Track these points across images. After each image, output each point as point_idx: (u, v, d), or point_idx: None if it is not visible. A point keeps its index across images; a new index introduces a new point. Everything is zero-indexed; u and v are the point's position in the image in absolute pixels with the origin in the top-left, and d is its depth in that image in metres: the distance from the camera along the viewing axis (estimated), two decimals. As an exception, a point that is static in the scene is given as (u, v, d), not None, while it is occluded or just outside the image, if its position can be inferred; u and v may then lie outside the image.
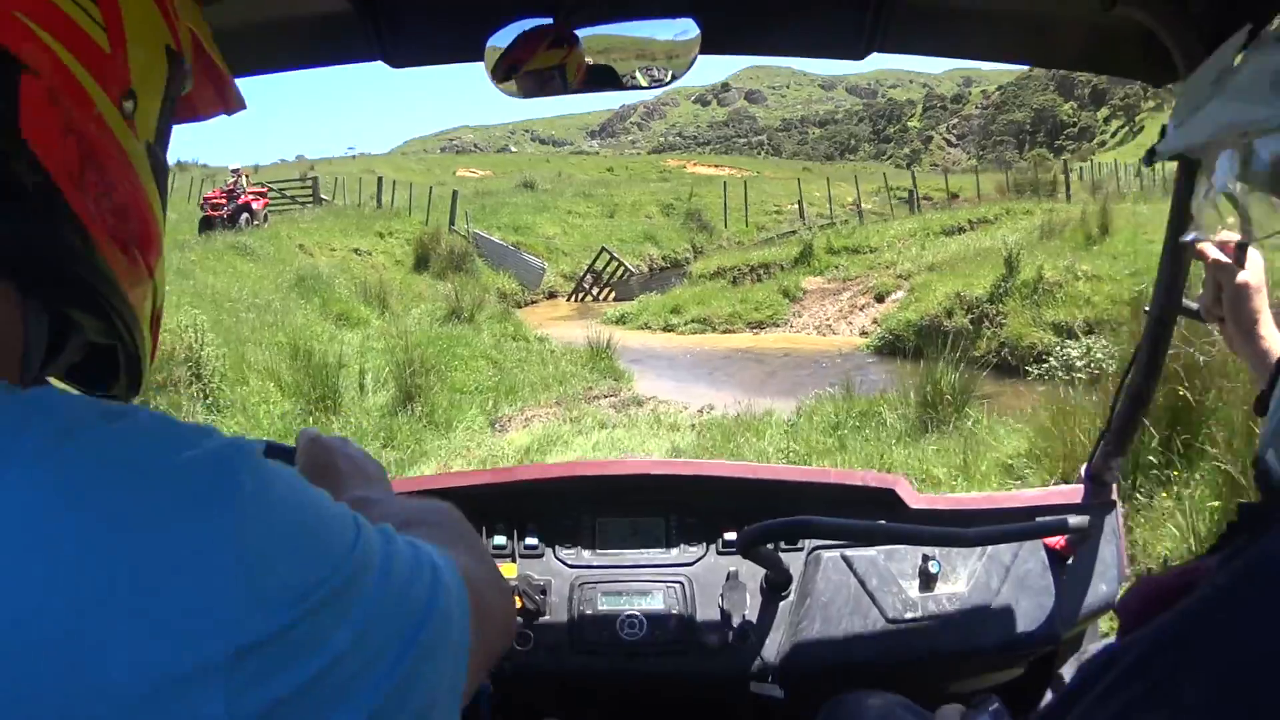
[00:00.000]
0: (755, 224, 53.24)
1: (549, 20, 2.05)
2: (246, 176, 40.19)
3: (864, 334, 24.62)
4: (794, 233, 40.36)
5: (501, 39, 2.08)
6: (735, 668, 2.78)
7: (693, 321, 27.77)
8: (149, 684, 0.75)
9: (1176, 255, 2.34)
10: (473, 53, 2.12)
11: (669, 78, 2.15)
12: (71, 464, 0.80)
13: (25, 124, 0.87)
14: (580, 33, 2.07)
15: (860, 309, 26.26)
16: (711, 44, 2.10)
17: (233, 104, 1.39)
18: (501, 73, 2.10)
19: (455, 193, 44.07)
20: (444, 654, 0.99)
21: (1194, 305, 2.04)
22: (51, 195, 0.91)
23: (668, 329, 27.72)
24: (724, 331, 26.94)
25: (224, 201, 36.14)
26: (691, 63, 2.12)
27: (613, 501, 3.07)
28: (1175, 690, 0.75)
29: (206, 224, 34.45)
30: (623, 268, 39.71)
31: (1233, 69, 1.30)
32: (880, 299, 26.29)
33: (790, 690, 2.74)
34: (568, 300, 38.19)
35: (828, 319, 26.50)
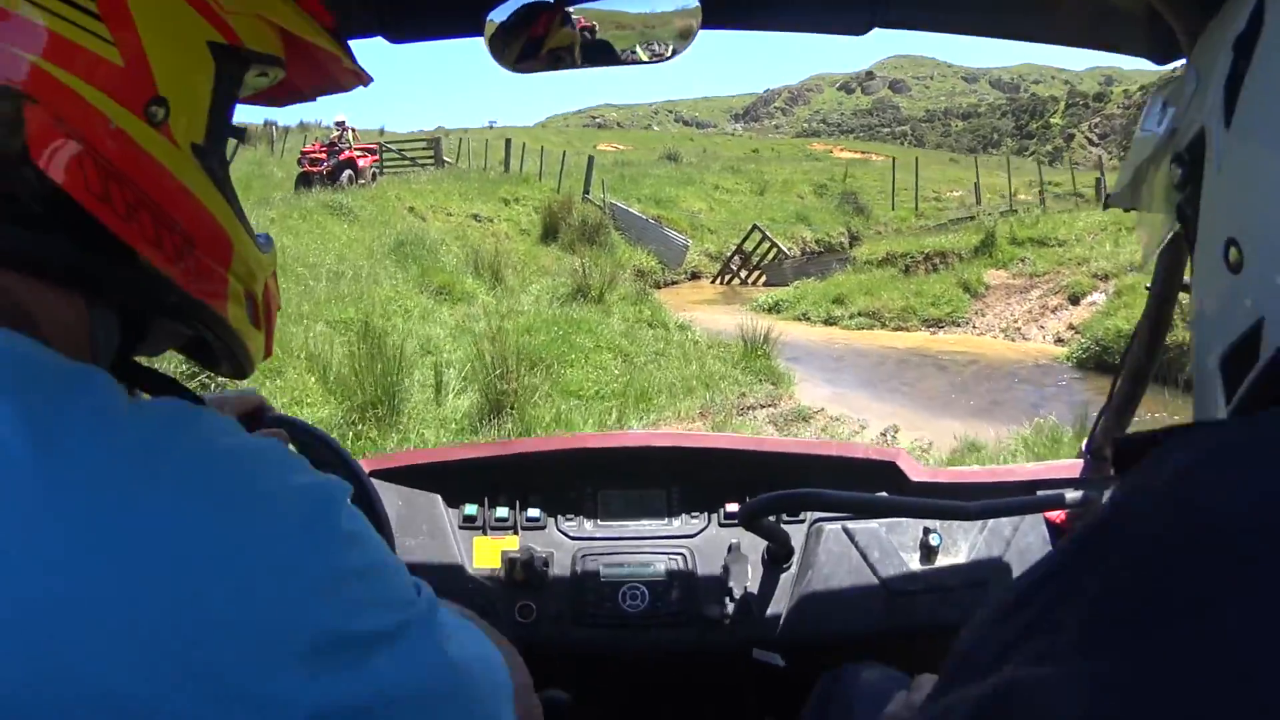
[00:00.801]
0: (912, 210, 50.04)
1: None
2: (354, 131, 37.71)
3: (1060, 341, 21.54)
4: (970, 218, 36.50)
5: (502, 13, 2.06)
6: (737, 639, 2.77)
7: (859, 315, 24.84)
8: (243, 661, 0.84)
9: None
10: (473, 26, 2.11)
11: (669, 52, 2.13)
12: (213, 488, 0.90)
13: (35, 152, 0.94)
14: (579, 7, 2.07)
15: (1052, 311, 23.17)
16: (712, 18, 2.11)
17: (345, 82, 1.43)
18: (521, 52, 2.09)
19: (591, 158, 40.99)
20: None
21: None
22: (83, 215, 0.98)
23: (830, 321, 24.88)
24: (895, 328, 24.03)
25: (323, 156, 34.35)
26: (692, 37, 2.09)
27: (615, 474, 3.08)
28: (1054, 618, 0.77)
29: (304, 180, 32.68)
30: (775, 249, 36.76)
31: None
32: (1075, 300, 23.13)
33: (791, 661, 2.74)
34: (712, 282, 35.58)
35: (1015, 320, 23.43)
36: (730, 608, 2.78)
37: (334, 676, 0.88)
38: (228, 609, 0.84)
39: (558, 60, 2.10)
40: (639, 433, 6.13)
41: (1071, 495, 2.63)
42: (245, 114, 1.31)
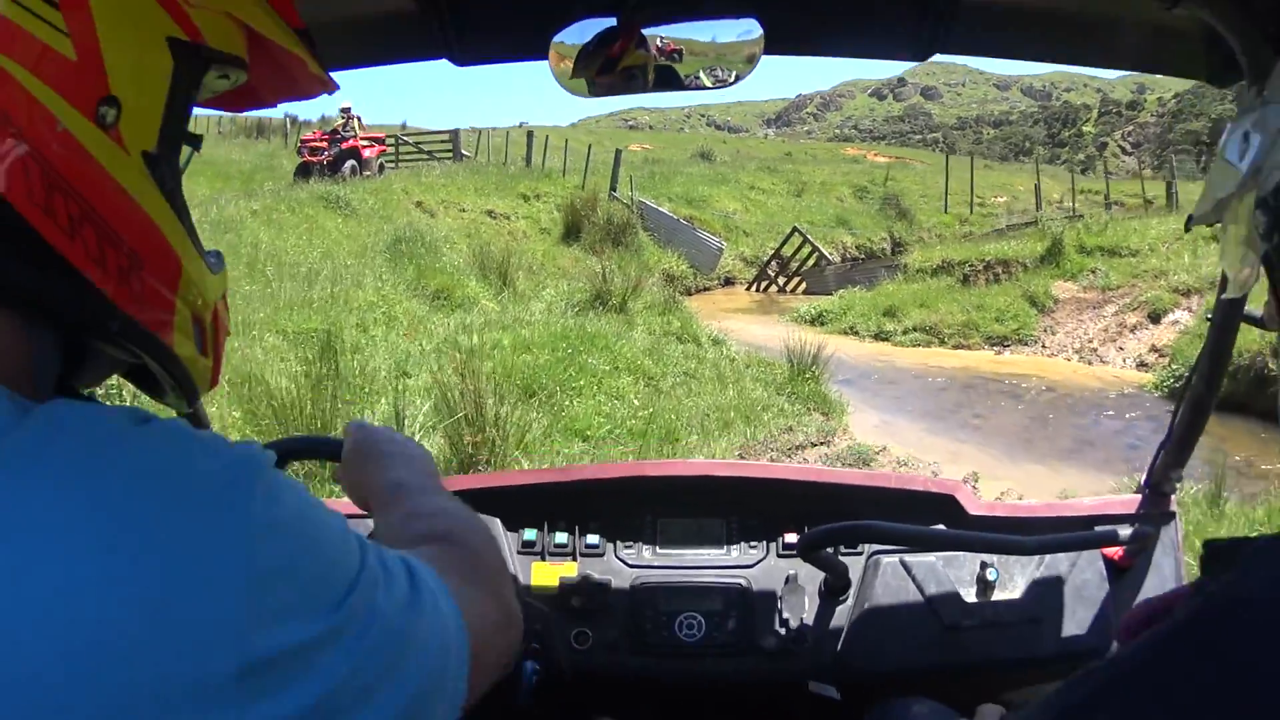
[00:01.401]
0: (957, 215, 48.24)
1: (613, 19, 2.08)
2: (359, 119, 35.51)
3: (1143, 366, 19.66)
4: (1031, 224, 33.88)
5: (567, 38, 2.11)
6: (792, 670, 2.80)
7: (914, 330, 23.04)
8: (163, 693, 0.78)
9: None
10: (538, 50, 2.15)
11: (732, 78, 2.18)
12: (99, 476, 0.83)
13: None
14: (644, 33, 2.10)
15: (1131, 330, 21.32)
16: (775, 44, 2.14)
17: (308, 88, 1.35)
18: (593, 69, 2.12)
19: (618, 152, 38.86)
20: (438, 701, 1.01)
21: (1258, 313, 1.64)
22: (20, 225, 0.90)
23: (881, 336, 23.10)
24: (955, 346, 22.20)
25: (324, 145, 32.36)
26: (755, 64, 2.14)
27: (674, 502, 3.09)
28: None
29: (303, 171, 30.96)
30: (816, 254, 34.79)
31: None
32: (1155, 319, 21.23)
33: (846, 694, 2.77)
34: (748, 289, 33.99)
35: (1090, 340, 21.64)
36: (786, 639, 2.78)
37: (271, 698, 0.82)
38: (134, 637, 0.77)
39: (630, 81, 2.13)
40: (699, 461, 5.91)
41: (1129, 531, 2.72)
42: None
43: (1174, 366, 17.86)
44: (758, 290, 33.59)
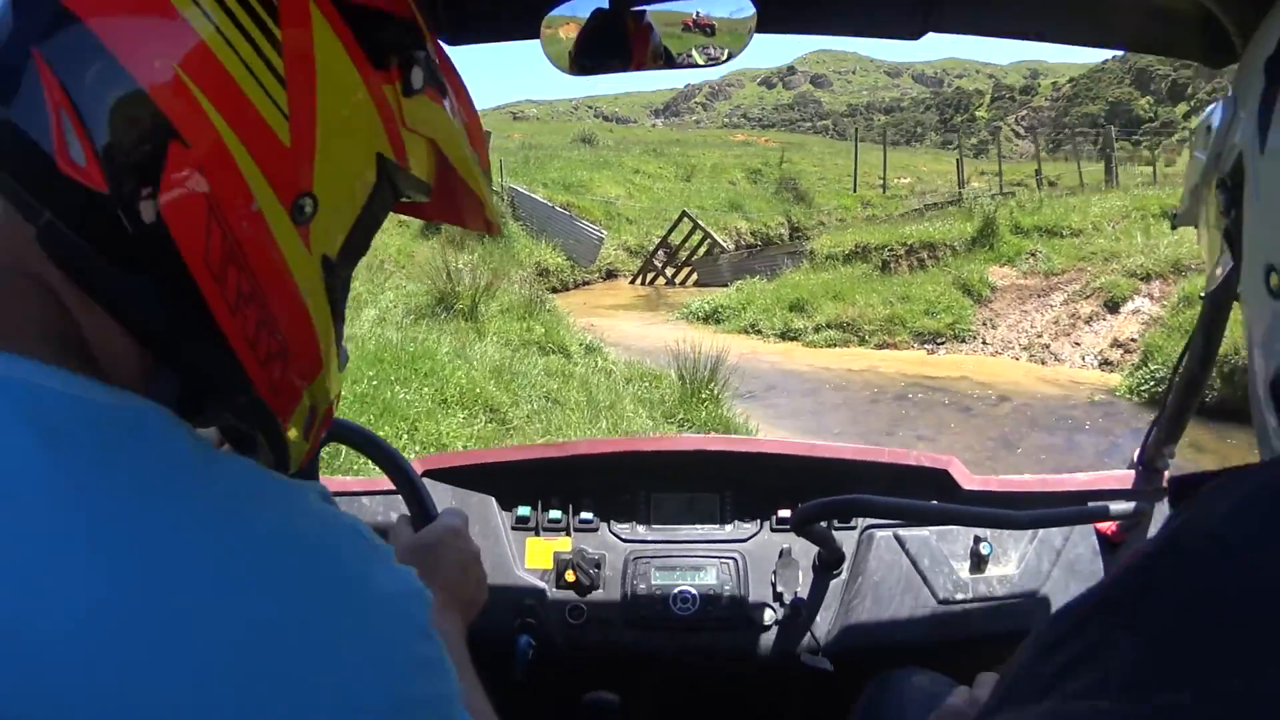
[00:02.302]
0: (861, 197, 45.73)
1: None
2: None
3: (1106, 364, 17.42)
4: (954, 202, 31.44)
5: (560, 16, 2.07)
6: (786, 645, 2.82)
7: (829, 327, 20.34)
8: None
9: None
10: (531, 29, 2.10)
11: (725, 56, 2.12)
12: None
13: (165, 199, 0.86)
14: (636, 10, 2.06)
15: (1086, 322, 18.94)
16: (768, 22, 2.09)
17: (473, 226, 1.35)
18: (570, 51, 2.08)
19: (488, 133, 34.74)
20: None
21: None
22: (194, 291, 0.90)
23: (789, 335, 20.49)
24: (879, 345, 19.65)
25: None
26: (747, 41, 2.10)
27: (668, 477, 3.11)
28: (1106, 651, 0.78)
29: None
30: (709, 241, 31.99)
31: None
32: (1113, 308, 18.83)
33: (840, 667, 2.77)
34: (632, 282, 31.51)
35: (1039, 335, 19.25)
36: (780, 613, 2.83)
37: None
38: None
39: (620, 65, 2.09)
40: (692, 436, 5.95)
41: (1122, 506, 2.65)
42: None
43: (1150, 367, 15.50)
44: (643, 283, 31.25)
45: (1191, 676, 0.68)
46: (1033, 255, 22.18)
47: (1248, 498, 0.81)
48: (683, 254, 32.03)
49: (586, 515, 3.00)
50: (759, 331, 20.71)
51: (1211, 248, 1.33)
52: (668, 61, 2.10)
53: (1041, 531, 2.86)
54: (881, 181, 47.84)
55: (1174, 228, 1.74)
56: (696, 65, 2.14)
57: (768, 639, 2.80)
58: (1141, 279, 19.12)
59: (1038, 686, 0.78)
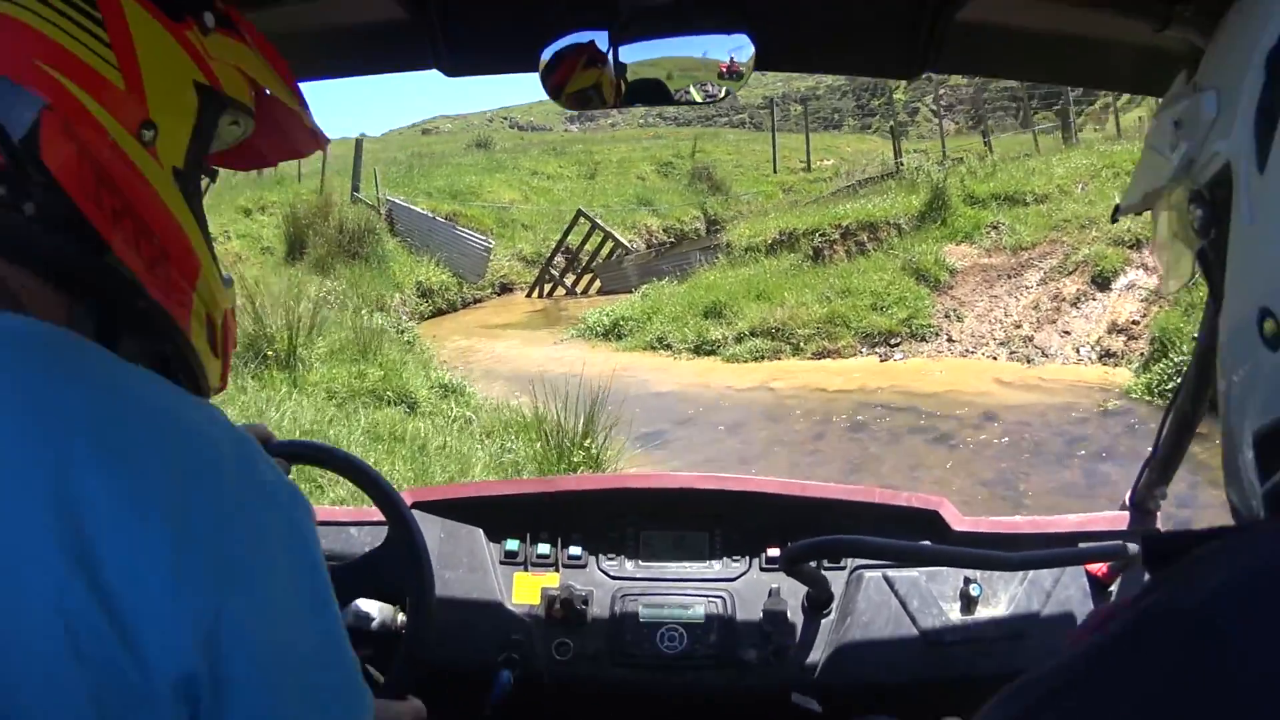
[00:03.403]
0: (780, 183, 42.10)
1: (604, 33, 2.10)
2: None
3: (1108, 356, 15.06)
4: (891, 175, 27.66)
5: (557, 52, 2.14)
6: (774, 683, 2.83)
7: (753, 335, 17.30)
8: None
9: None
10: (527, 64, 2.17)
11: (723, 94, 2.18)
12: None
13: (45, 152, 1.09)
14: (630, 48, 2.11)
15: (1074, 304, 16.36)
16: (766, 61, 2.13)
17: (302, 144, 1.59)
18: (550, 91, 2.18)
19: (358, 141, 32.36)
20: None
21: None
22: (78, 216, 1.13)
23: (705, 350, 17.49)
24: (819, 354, 16.56)
25: None
26: (745, 80, 2.15)
27: (657, 515, 3.14)
28: None
29: None
30: (610, 241, 28.88)
31: (1155, 121, 1.35)
32: (1102, 284, 16.42)
33: (828, 707, 2.80)
34: (528, 295, 28.50)
35: (1016, 325, 16.56)
36: (768, 652, 2.82)
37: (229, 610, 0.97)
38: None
39: (587, 101, 2.17)
40: (682, 474, 5.30)
41: (1113, 548, 2.72)
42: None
43: (1171, 358, 13.03)
44: (541, 296, 28.23)
45: None
46: (994, 228, 19.35)
47: (1246, 579, 0.75)
48: (582, 259, 29.23)
49: (575, 551, 3.01)
50: (668, 347, 17.77)
51: (1175, 264, 1.23)
52: (665, 98, 2.16)
53: (1032, 573, 2.85)
54: (804, 164, 43.86)
55: (1114, 220, 1.46)
56: (694, 103, 2.18)
57: (755, 678, 2.78)
58: (1130, 246, 16.65)
59: None
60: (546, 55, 2.08)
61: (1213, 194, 1.02)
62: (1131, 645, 0.76)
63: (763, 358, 16.53)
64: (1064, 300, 16.32)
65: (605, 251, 28.91)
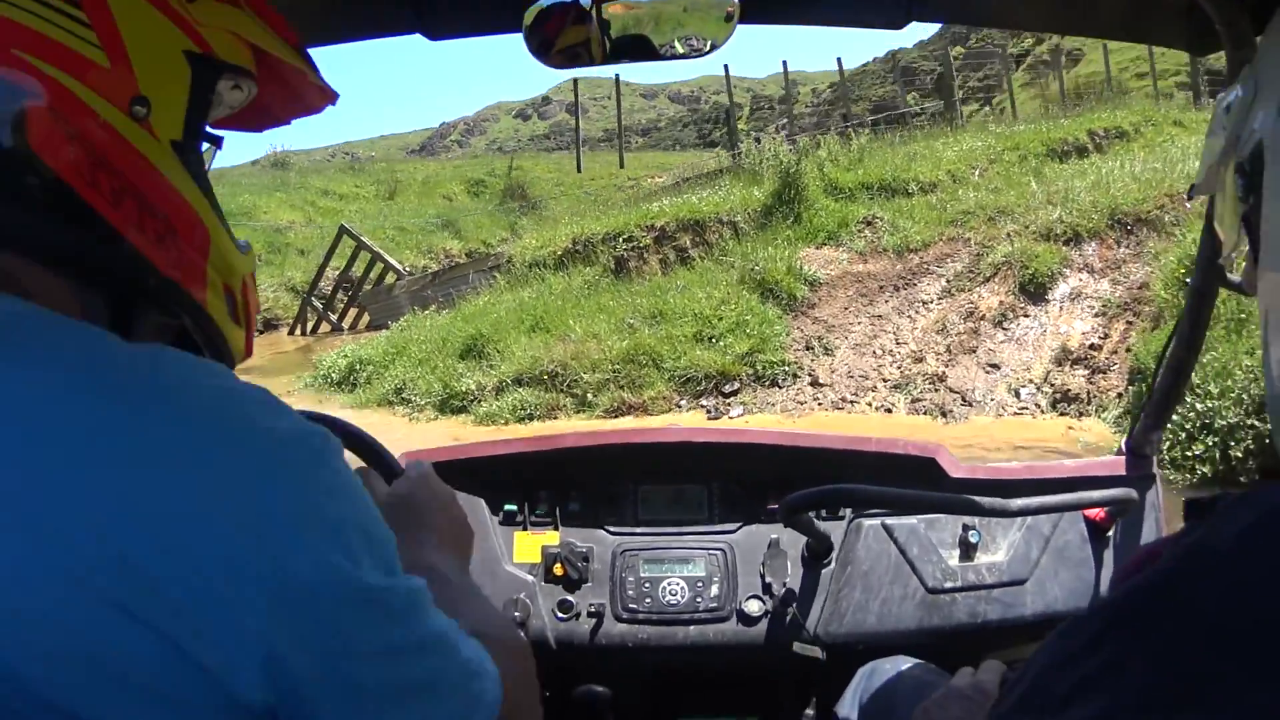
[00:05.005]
0: (600, 197, 35.82)
1: None
2: None
3: (1067, 401, 10.61)
4: (726, 171, 23.22)
5: (540, 9, 2.06)
6: (776, 635, 2.74)
7: (520, 384, 12.71)
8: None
9: None
10: (511, 23, 2.09)
11: (708, 47, 2.10)
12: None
13: (33, 140, 1.02)
14: (616, 2, 2.07)
15: (998, 324, 11.87)
16: (752, 14, 2.08)
17: (312, 100, 1.49)
18: (535, 48, 2.07)
19: None
20: None
21: (1237, 278, 1.40)
22: (78, 202, 1.06)
23: (451, 405, 13.05)
24: (614, 409, 12.04)
25: None
26: (730, 32, 2.09)
27: (655, 469, 3.01)
28: (1119, 670, 0.78)
29: None
30: (376, 263, 25.88)
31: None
32: (1036, 295, 12.20)
33: (831, 655, 2.70)
34: (291, 332, 26.50)
35: (915, 357, 11.79)
36: (769, 603, 2.76)
37: (292, 623, 0.94)
38: (184, 545, 0.91)
39: (575, 58, 2.09)
40: (679, 428, 3.86)
41: (1110, 493, 2.64)
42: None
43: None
44: (304, 332, 26.05)
45: (1198, 702, 0.70)
46: (869, 225, 15.16)
47: (1260, 522, 0.79)
48: (350, 287, 26.67)
49: (574, 507, 2.93)
50: (406, 401, 13.59)
51: (1226, 226, 1.22)
52: (649, 54, 2.08)
53: (1030, 519, 2.77)
54: (633, 181, 39.74)
55: (1190, 198, 1.51)
56: (679, 56, 2.10)
57: (757, 629, 2.72)
58: (1067, 242, 12.94)
59: (1052, 701, 0.78)
60: (536, 7, 2.00)
61: (1251, 166, 1.05)
62: (1170, 584, 0.79)
63: (531, 417, 12.19)
64: (983, 319, 12.03)
65: (376, 275, 26.04)
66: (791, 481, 2.69)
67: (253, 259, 1.33)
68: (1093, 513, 2.75)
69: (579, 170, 39.71)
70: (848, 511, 2.85)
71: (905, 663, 2.36)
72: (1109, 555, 2.80)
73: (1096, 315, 11.60)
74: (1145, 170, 15.61)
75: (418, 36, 2.28)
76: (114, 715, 0.89)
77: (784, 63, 39.87)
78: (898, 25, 2.19)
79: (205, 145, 1.26)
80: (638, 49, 2.08)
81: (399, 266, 25.96)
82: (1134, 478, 2.76)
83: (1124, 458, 2.81)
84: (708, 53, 2.09)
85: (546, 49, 2.03)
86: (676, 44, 2.07)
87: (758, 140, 20.76)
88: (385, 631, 1.00)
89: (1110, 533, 2.78)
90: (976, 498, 2.55)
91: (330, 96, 1.47)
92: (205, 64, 1.20)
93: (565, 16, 2.00)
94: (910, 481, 2.73)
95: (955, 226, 14.51)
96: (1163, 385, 2.63)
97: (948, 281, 13.04)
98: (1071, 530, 2.77)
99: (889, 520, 2.79)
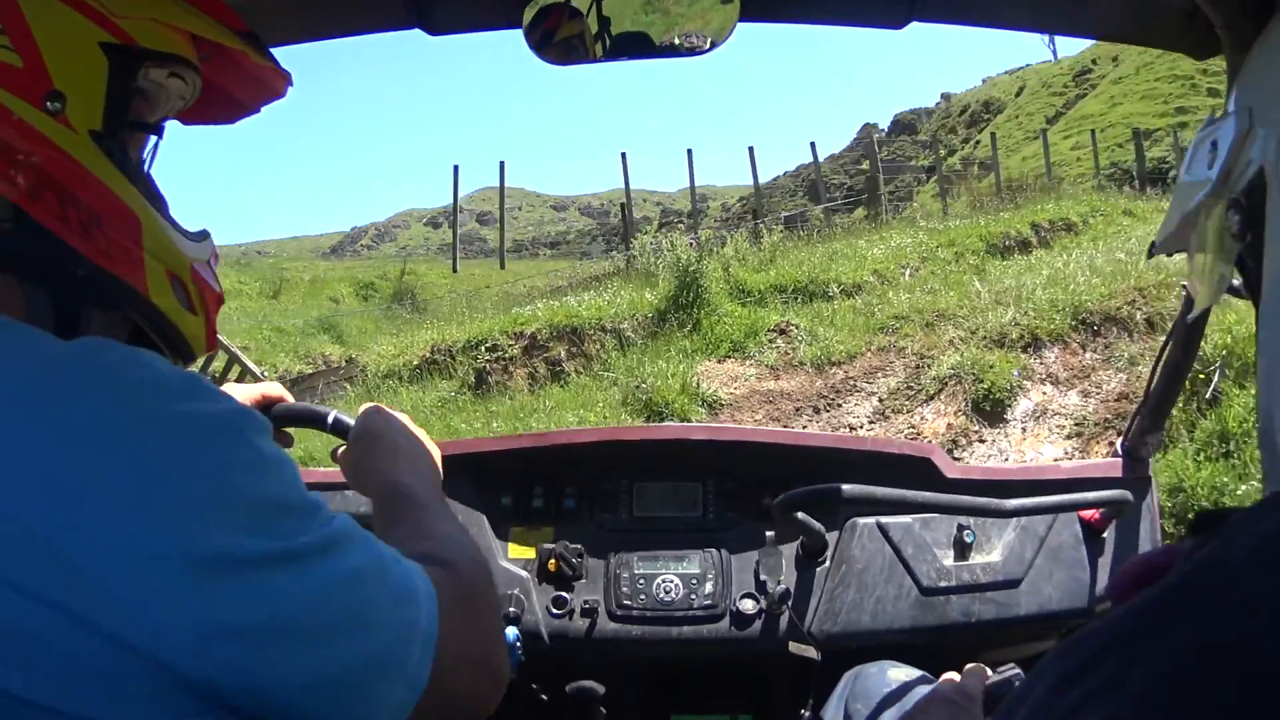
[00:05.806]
0: (472, 303, 35.72)
1: None
2: None
3: None
4: (617, 274, 21.82)
5: (540, 5, 2.17)
6: (770, 633, 2.91)
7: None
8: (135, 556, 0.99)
9: None
10: (511, 18, 2.22)
11: (708, 45, 2.22)
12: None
13: None
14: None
15: (949, 452, 7.96)
16: (752, 11, 2.18)
17: (272, 84, 1.60)
18: (537, 41, 2.19)
19: None
20: (385, 684, 1.14)
21: (1235, 281, 1.47)
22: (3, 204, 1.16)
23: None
24: None
25: None
26: (731, 29, 2.17)
27: (650, 466, 3.20)
28: (1120, 688, 0.79)
29: None
30: (233, 364, 21.80)
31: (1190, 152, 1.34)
32: (991, 413, 10.47)
33: (825, 654, 2.86)
34: None
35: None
36: (763, 602, 2.89)
37: (218, 593, 0.99)
38: (99, 524, 0.96)
39: (571, 51, 2.18)
40: (675, 425, 5.97)
41: (1106, 495, 2.83)
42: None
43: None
44: None
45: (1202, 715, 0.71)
46: (782, 333, 13.79)
47: (1275, 536, 0.80)
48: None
49: (569, 504, 3.06)
50: None
51: (1205, 278, 1.26)
52: (649, 50, 2.19)
53: (1025, 519, 2.92)
54: (509, 283, 37.89)
55: (1150, 256, 1.52)
56: (678, 53, 2.20)
57: (751, 628, 2.86)
58: (1025, 348, 11.77)
59: (1057, 716, 0.80)
60: (532, 9, 2.08)
61: (1248, 199, 1.07)
62: (1180, 598, 0.80)
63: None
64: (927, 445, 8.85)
65: (234, 379, 20.55)
66: (787, 480, 2.86)
67: (208, 246, 1.42)
68: (1088, 514, 2.92)
69: (454, 270, 38.32)
70: (843, 510, 2.93)
71: (890, 667, 2.46)
72: (1104, 557, 2.93)
73: (1069, 437, 9.98)
74: (1107, 262, 14.88)
75: (417, 31, 2.22)
76: (41, 693, 0.92)
77: (690, 172, 40.53)
78: (898, 25, 2.19)
79: (152, 138, 1.38)
80: (637, 46, 2.14)
81: (257, 370, 21.93)
82: (1129, 480, 2.95)
83: (1120, 460, 3.02)
84: (707, 50, 2.14)
85: (548, 38, 2.07)
86: (676, 40, 2.14)
87: (654, 241, 18.99)
88: (306, 580, 1.04)
89: (1105, 534, 2.94)
90: (972, 498, 2.71)
91: (284, 76, 1.54)
92: (124, 54, 1.27)
93: (564, 10, 2.05)
94: (905, 481, 2.78)
95: (886, 334, 13.14)
96: (1159, 388, 2.80)
97: (880, 400, 11.31)
98: (1066, 531, 2.93)
99: (884, 520, 2.93)
